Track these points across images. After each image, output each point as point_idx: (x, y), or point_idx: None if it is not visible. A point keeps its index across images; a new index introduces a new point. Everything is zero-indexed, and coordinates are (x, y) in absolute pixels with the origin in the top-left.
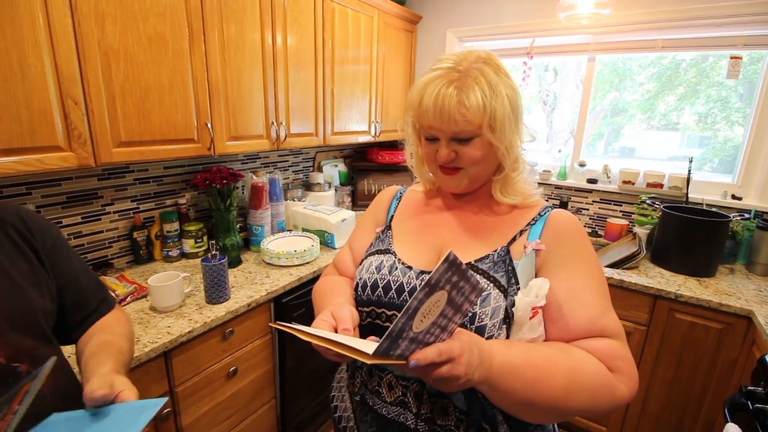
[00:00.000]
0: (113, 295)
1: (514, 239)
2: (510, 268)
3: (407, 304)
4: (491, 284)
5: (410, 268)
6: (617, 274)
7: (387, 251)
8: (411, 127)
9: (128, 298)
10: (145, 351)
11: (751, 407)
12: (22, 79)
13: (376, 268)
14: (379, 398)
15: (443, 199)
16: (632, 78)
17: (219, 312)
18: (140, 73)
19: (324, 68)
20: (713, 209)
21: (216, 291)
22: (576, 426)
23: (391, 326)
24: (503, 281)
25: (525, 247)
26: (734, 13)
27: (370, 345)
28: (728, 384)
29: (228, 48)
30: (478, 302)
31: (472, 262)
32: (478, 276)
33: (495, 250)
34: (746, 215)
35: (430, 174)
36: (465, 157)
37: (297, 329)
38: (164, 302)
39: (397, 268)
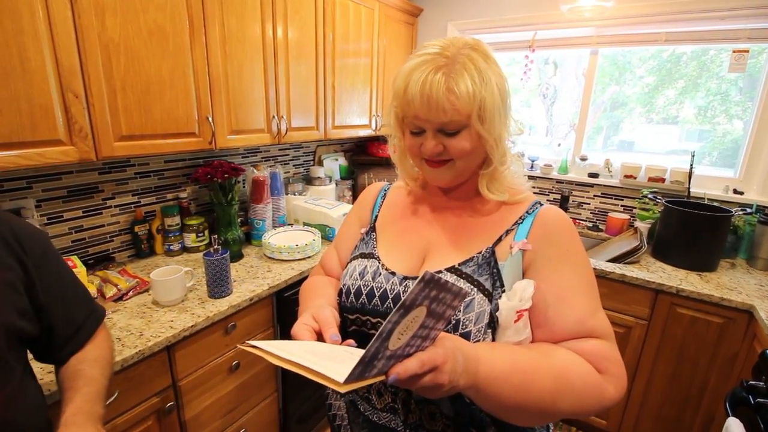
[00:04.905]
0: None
1: (500, 239)
2: (495, 270)
3: (381, 327)
4: (475, 288)
5: (393, 274)
6: (618, 269)
7: (371, 255)
8: (394, 117)
9: (130, 293)
10: (148, 345)
11: (752, 402)
12: (22, 73)
13: (359, 274)
14: (370, 404)
15: (428, 198)
16: (632, 71)
17: (221, 306)
18: (141, 66)
19: (325, 61)
20: (715, 204)
21: (218, 285)
22: (576, 420)
23: (364, 352)
24: (487, 284)
25: (511, 248)
26: (738, 5)
27: (342, 369)
28: (729, 378)
29: (229, 41)
30: (462, 308)
31: (456, 266)
32: (461, 282)
33: (480, 252)
34: (748, 210)
35: (415, 169)
36: (453, 150)
37: (267, 351)
38: (167, 296)
39: (380, 274)
